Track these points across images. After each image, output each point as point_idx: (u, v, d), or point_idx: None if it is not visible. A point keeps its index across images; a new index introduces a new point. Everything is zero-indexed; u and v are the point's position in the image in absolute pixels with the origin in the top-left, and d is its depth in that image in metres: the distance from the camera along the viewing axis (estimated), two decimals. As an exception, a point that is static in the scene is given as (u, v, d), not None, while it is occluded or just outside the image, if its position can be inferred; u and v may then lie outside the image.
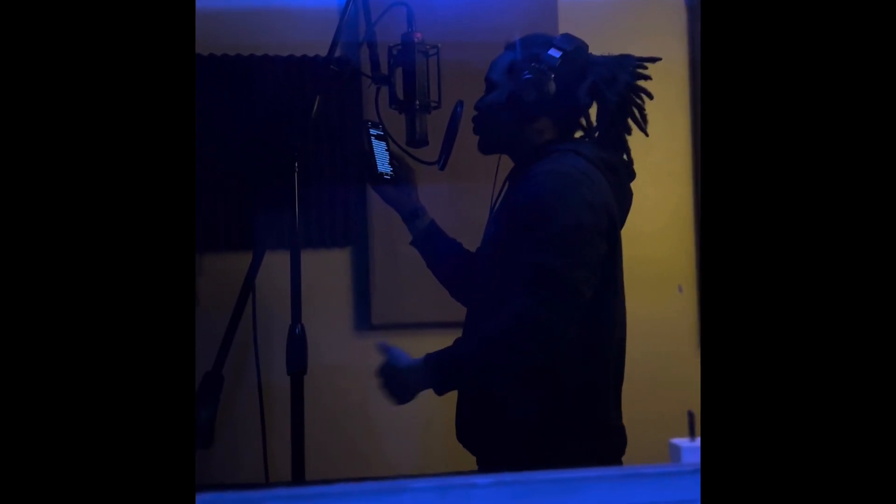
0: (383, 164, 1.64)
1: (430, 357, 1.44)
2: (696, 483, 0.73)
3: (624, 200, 1.53)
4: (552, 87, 1.46)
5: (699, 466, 0.74)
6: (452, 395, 1.59)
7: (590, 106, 1.53)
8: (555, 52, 1.47)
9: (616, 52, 1.56)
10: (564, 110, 1.50)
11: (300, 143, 1.54)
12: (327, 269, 2.30)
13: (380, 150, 1.64)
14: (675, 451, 0.80)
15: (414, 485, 0.68)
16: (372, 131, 1.64)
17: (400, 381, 1.47)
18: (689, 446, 0.80)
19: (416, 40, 1.58)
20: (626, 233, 1.54)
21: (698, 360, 2.76)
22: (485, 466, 1.53)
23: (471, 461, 1.56)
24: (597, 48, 1.57)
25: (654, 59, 1.53)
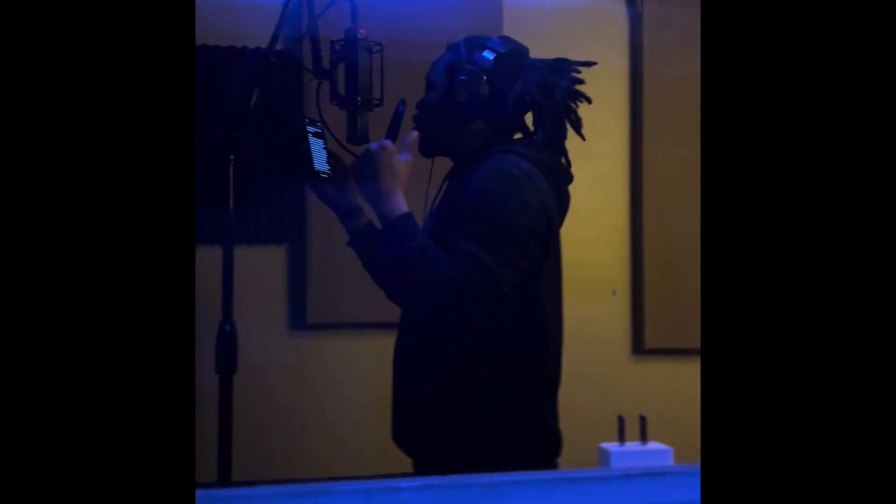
0: (321, 163, 1.61)
1: (394, 218, 1.41)
2: (624, 488, 0.73)
3: (562, 203, 1.54)
4: (485, 89, 1.46)
5: (628, 472, 0.75)
6: (388, 396, 1.57)
7: (525, 109, 1.54)
8: (488, 54, 1.47)
9: (560, 56, 1.57)
10: (499, 112, 1.50)
11: (237, 135, 1.50)
12: (263, 267, 2.26)
13: (317, 147, 1.61)
14: (605, 456, 0.80)
15: (339, 488, 0.67)
16: (310, 129, 1.61)
17: (366, 174, 1.45)
18: (618, 451, 0.80)
19: (359, 36, 1.56)
20: (563, 239, 1.55)
21: (633, 365, 2.80)
22: (420, 469, 1.52)
23: (406, 463, 1.55)
24: (539, 53, 1.58)
25: (589, 63, 1.54)
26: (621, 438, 0.83)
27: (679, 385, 2.42)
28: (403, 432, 1.54)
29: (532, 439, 1.47)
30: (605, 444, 0.82)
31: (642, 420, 0.84)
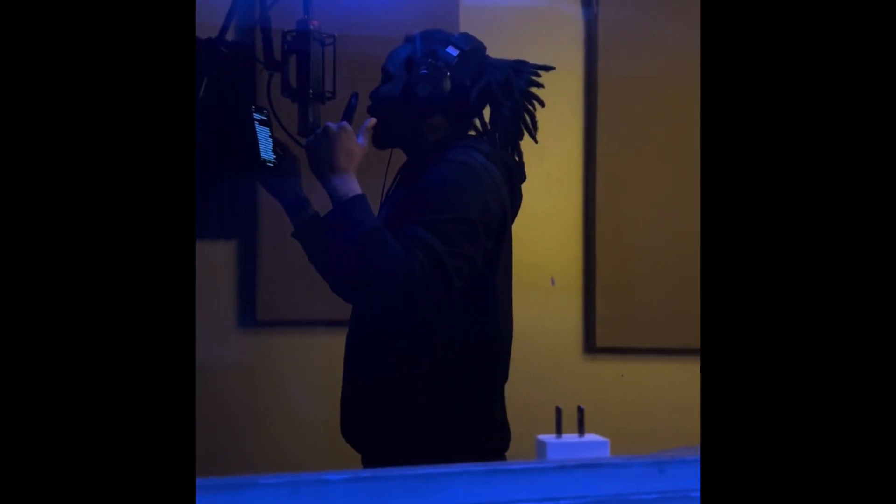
0: (266, 151, 1.58)
1: (347, 199, 1.40)
2: (559, 480, 0.73)
3: (515, 201, 1.55)
4: (447, 84, 1.46)
5: (564, 463, 0.74)
6: (338, 391, 1.55)
7: (483, 107, 1.54)
8: (452, 50, 1.48)
9: (514, 56, 1.58)
10: (458, 109, 1.50)
11: (185, 126, 1.47)
12: (211, 262, 2.21)
13: (263, 136, 1.58)
14: (542, 447, 0.80)
15: (265, 480, 0.65)
16: (256, 115, 1.58)
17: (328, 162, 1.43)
18: (555, 443, 0.80)
19: (312, 28, 1.54)
20: (515, 237, 1.55)
21: (585, 363, 2.81)
22: (369, 464, 1.51)
23: (356, 459, 1.54)
24: (495, 51, 1.58)
25: (548, 68, 1.57)
26: (559, 430, 0.83)
27: (628, 383, 2.45)
28: (352, 427, 1.53)
29: (481, 434, 1.48)
30: (541, 436, 0.82)
31: (580, 412, 0.84)
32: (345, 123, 1.47)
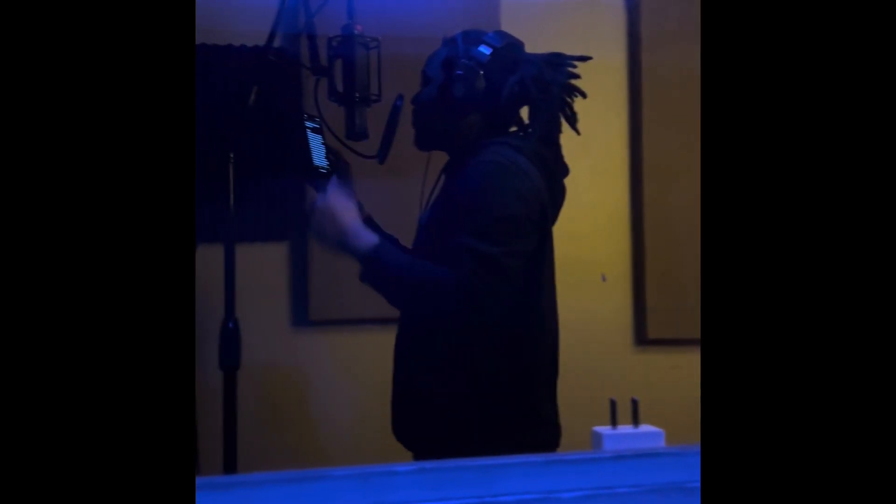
0: (319, 158, 1.62)
1: (369, 250, 1.42)
2: (615, 469, 0.74)
3: (556, 195, 1.55)
4: (481, 83, 1.47)
5: (620, 453, 0.75)
6: (389, 388, 1.58)
7: (518, 103, 1.54)
8: (485, 49, 1.49)
9: (557, 50, 1.57)
10: (494, 106, 1.51)
11: (236, 134, 1.51)
12: (264, 264, 2.26)
13: (315, 143, 1.62)
14: (597, 439, 0.81)
15: (335, 473, 0.67)
16: (308, 124, 1.61)
17: (335, 234, 1.45)
18: (611, 434, 0.81)
19: (356, 32, 1.57)
20: (562, 232, 1.55)
21: (635, 355, 2.78)
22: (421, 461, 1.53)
23: (408, 457, 1.56)
24: (537, 47, 1.58)
25: (584, 58, 1.55)
26: (613, 422, 0.84)
27: (681, 374, 2.43)
28: (403, 427, 1.55)
29: (531, 430, 1.48)
30: (597, 428, 0.83)
31: (634, 403, 0.85)
32: (330, 189, 1.49)
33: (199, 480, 0.69)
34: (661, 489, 0.75)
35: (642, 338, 2.50)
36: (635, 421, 0.84)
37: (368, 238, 1.44)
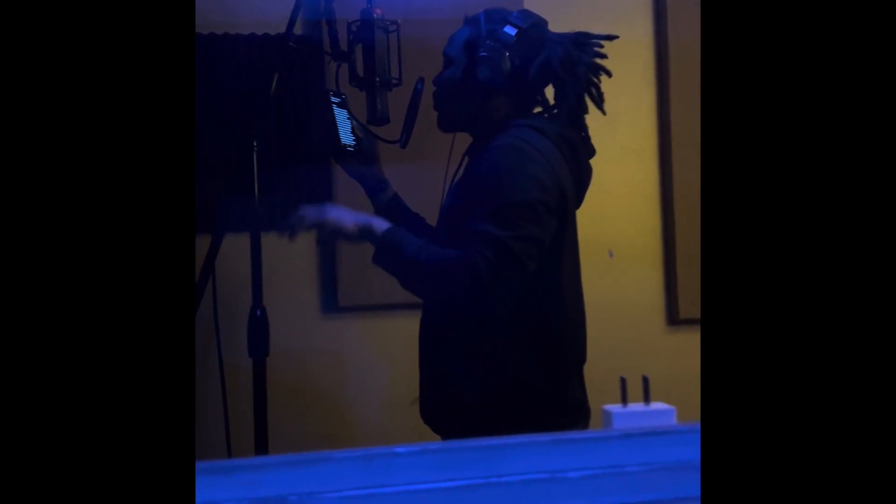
0: (346, 136, 1.61)
1: (381, 235, 1.44)
2: (624, 448, 0.73)
3: (582, 177, 1.53)
4: (507, 64, 1.45)
5: (629, 431, 0.74)
6: (417, 376, 1.58)
7: (544, 84, 1.52)
8: (510, 30, 1.46)
9: (582, 28, 1.55)
10: (520, 87, 1.49)
11: (259, 121, 1.51)
12: (292, 251, 2.27)
13: (342, 118, 1.61)
14: (607, 417, 0.80)
15: (337, 455, 0.68)
16: (333, 99, 1.60)
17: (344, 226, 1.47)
18: (621, 412, 0.80)
19: (375, 16, 1.56)
20: (590, 212, 1.53)
21: (667, 335, 2.75)
22: (450, 446, 1.54)
23: (436, 440, 1.56)
24: (562, 25, 1.55)
25: (611, 37, 1.52)
26: (624, 400, 0.83)
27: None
28: (431, 411, 1.55)
29: (558, 414, 1.48)
30: (607, 406, 0.82)
31: (645, 381, 0.84)
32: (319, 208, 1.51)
33: (199, 465, 0.69)
34: (670, 467, 0.74)
35: (674, 318, 2.47)
36: (646, 398, 0.83)
37: (377, 222, 1.46)
